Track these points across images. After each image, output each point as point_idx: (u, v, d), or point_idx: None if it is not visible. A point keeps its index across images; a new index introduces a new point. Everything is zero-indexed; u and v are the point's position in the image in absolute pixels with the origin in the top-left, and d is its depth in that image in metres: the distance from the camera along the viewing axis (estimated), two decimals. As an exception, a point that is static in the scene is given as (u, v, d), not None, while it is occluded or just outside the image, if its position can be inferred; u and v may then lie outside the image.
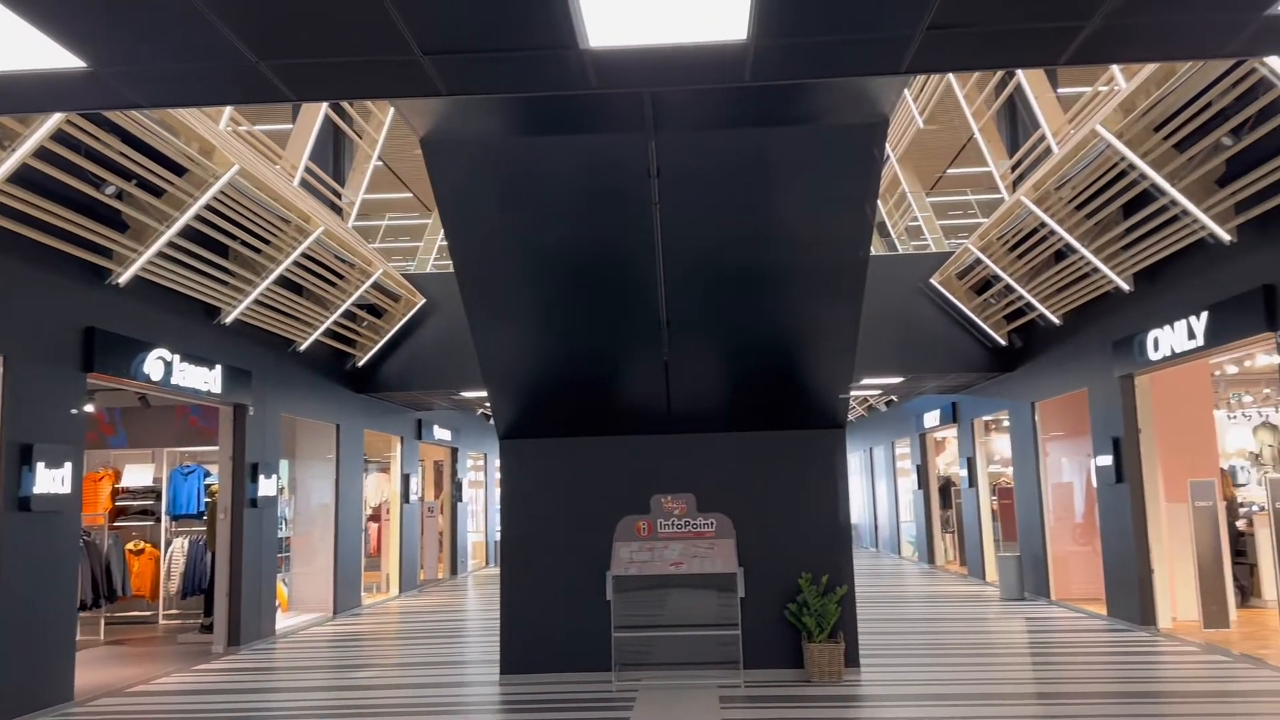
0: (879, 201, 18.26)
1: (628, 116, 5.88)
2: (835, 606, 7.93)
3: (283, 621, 12.22)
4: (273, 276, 10.06)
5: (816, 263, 7.00)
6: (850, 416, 24.54)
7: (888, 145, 16.06)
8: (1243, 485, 16.71)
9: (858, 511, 27.21)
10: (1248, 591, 11.59)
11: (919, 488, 19.44)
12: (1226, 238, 8.08)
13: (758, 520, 8.37)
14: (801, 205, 6.54)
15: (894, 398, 19.65)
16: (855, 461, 27.54)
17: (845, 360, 7.87)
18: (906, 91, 14.48)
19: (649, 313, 7.40)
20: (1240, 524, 11.84)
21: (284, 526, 12.89)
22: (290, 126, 11.29)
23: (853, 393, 18.33)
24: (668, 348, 7.76)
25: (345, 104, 12.20)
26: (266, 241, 9.85)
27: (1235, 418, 19.22)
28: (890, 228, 19.05)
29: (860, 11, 3.37)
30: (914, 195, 16.48)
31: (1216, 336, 8.49)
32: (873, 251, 18.41)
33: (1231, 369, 13.30)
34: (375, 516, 16.16)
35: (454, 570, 19.17)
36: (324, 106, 11.04)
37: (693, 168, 6.27)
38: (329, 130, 12.49)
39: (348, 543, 13.80)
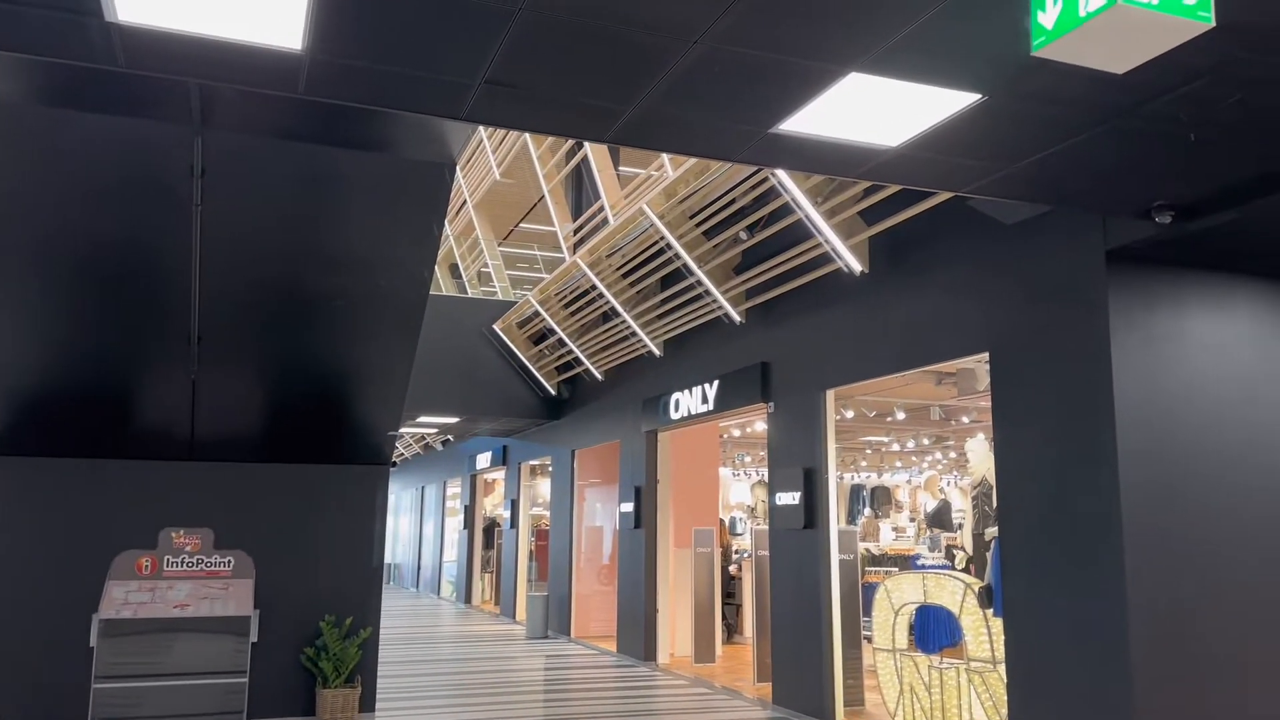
0: (454, 243, 18.52)
1: (173, 105, 5.31)
2: (356, 650, 7.66)
3: None
4: None
5: (373, 295, 6.83)
6: (406, 454, 24.28)
7: (467, 190, 16.38)
8: (740, 535, 19.21)
9: (404, 551, 26.89)
10: (734, 629, 13.26)
11: (465, 528, 19.72)
12: (737, 318, 9.29)
13: (285, 559, 7.86)
14: (362, 234, 6.36)
15: (450, 437, 19.83)
16: (407, 500, 27.27)
17: (395, 397, 7.74)
18: (487, 142, 14.93)
19: (178, 324, 6.69)
20: (732, 569, 13.54)
21: None
22: None
23: (410, 429, 18.17)
24: (197, 366, 7.07)
25: None
26: None
27: (739, 475, 22.16)
28: (463, 270, 19.38)
29: (420, 50, 3.36)
30: (486, 242, 16.95)
31: (724, 402, 9.70)
32: (443, 291, 18.58)
33: (736, 432, 15.29)
34: None
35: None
36: None
37: (245, 175, 5.82)
38: None
39: None
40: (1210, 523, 5.43)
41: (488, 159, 15.18)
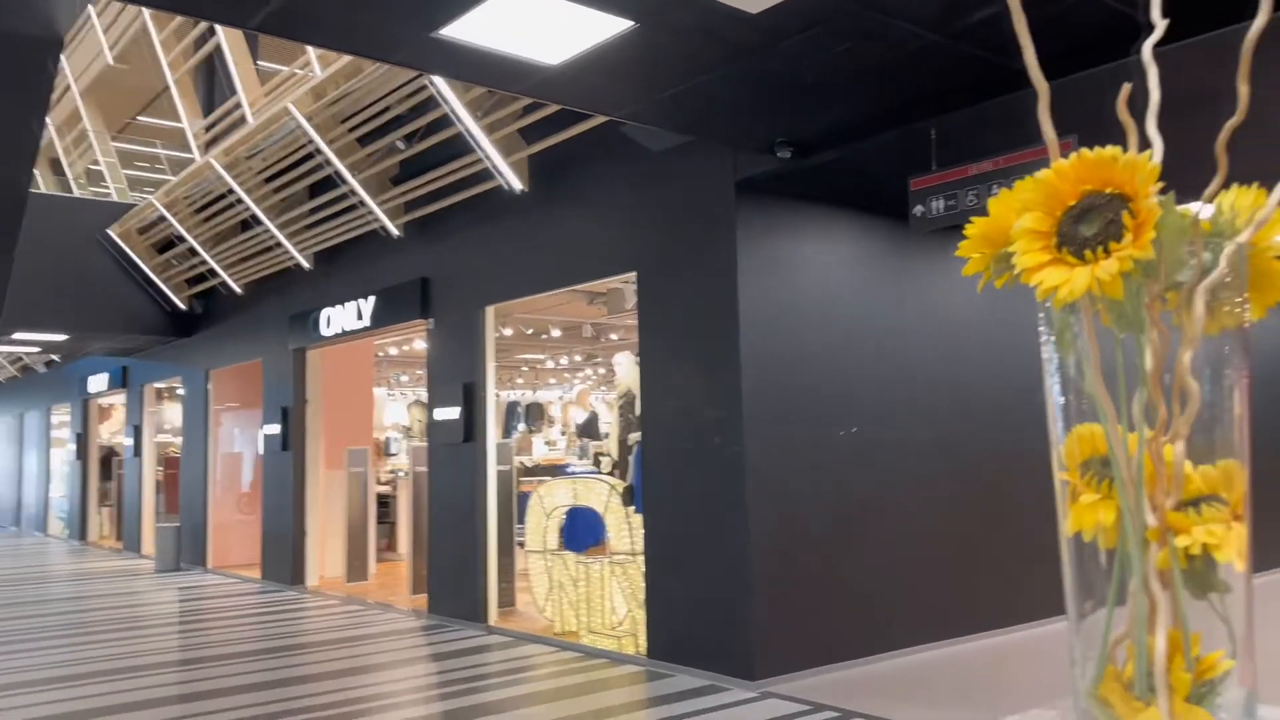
0: (56, 134, 16.06)
1: None
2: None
3: None
4: None
5: (-47, 186, 5.82)
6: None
7: (71, 74, 14.25)
8: (394, 455, 19.02)
9: (2, 486, 23.54)
10: (386, 547, 13.19)
11: (78, 458, 17.63)
12: (396, 232, 9.04)
13: None
14: (-64, 112, 5.36)
15: (55, 358, 17.48)
16: (3, 429, 23.80)
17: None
18: (96, 19, 13.03)
19: None
20: (386, 488, 13.41)
21: None
22: None
23: (3, 348, 15.75)
24: None
25: None
26: None
27: (394, 395, 21.79)
28: (67, 167, 16.88)
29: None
30: (97, 136, 14.88)
31: (381, 319, 9.47)
32: (41, 189, 16.11)
33: (394, 351, 15.00)
34: None
35: None
36: None
37: None
38: None
39: None
40: (816, 412, 6.29)
41: (98, 39, 13.23)
